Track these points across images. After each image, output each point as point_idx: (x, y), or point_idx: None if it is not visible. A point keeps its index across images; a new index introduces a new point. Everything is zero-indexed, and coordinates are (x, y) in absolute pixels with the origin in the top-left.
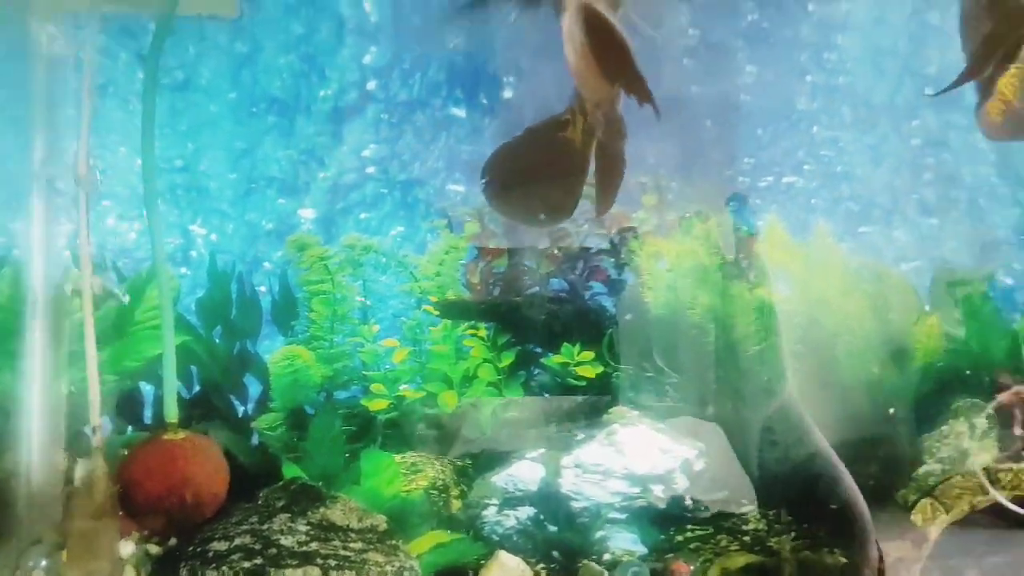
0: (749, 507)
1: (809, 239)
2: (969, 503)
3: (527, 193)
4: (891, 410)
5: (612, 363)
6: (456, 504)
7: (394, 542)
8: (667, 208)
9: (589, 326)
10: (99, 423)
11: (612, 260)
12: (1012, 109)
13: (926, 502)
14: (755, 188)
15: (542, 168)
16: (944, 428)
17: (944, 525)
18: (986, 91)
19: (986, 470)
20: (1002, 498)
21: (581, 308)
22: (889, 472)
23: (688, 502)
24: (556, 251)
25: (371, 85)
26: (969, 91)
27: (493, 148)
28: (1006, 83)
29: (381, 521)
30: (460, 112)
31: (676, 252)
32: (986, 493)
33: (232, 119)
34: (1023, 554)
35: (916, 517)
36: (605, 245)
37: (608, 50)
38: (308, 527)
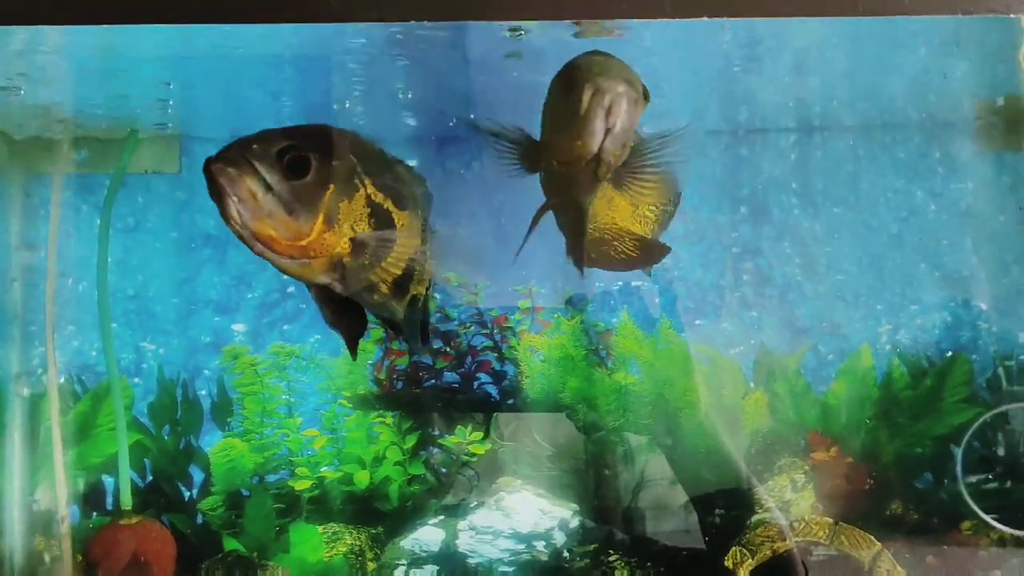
0: (614, 556)
1: (655, 331)
2: (771, 548)
3: None
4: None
5: (498, 441)
6: (371, 566)
7: None
8: (539, 310)
9: (478, 411)
10: (66, 513)
11: (495, 355)
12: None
13: (735, 549)
14: (610, 291)
15: None
16: (770, 483)
17: (751, 568)
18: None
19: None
20: (987, 516)
21: (471, 396)
22: (727, 521)
23: (566, 555)
24: (448, 350)
25: None
26: (782, 209)
27: None
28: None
29: None
30: None
31: (548, 346)
32: (784, 540)
33: (174, 254)
34: None
35: (728, 561)
36: (489, 343)
37: None
38: None
